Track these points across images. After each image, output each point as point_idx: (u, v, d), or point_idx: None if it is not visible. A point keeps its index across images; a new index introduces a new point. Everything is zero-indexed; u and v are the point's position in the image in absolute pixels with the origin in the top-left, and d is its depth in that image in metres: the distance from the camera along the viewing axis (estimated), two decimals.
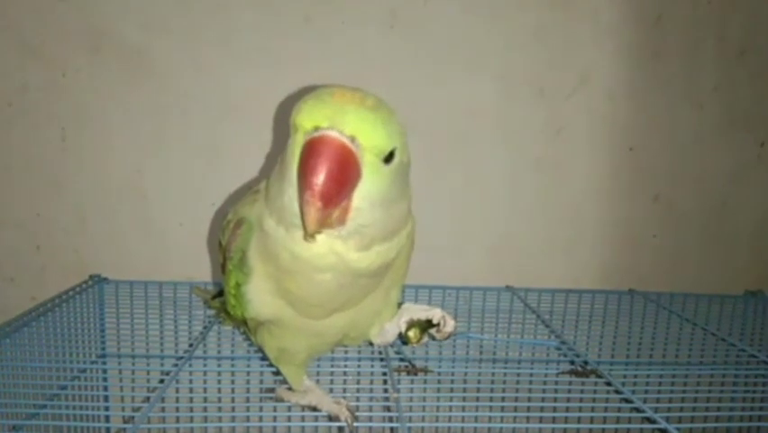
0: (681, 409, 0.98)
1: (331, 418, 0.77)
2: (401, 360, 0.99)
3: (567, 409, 0.93)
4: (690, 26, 1.29)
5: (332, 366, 0.99)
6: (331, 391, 1.01)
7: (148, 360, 1.20)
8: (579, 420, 0.94)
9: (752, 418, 1.00)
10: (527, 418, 1.12)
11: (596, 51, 1.29)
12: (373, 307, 0.72)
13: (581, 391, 0.92)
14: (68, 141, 1.25)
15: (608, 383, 0.86)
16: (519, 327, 1.24)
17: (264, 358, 0.87)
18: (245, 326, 0.81)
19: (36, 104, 1.23)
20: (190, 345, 1.07)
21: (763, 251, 1.41)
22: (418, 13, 1.24)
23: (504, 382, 1.13)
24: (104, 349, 1.19)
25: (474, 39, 1.26)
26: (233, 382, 1.15)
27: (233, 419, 1.10)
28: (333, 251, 0.57)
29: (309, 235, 0.54)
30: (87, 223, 1.28)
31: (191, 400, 1.10)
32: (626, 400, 0.81)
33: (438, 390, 1.15)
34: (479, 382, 1.15)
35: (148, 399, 1.04)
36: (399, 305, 0.79)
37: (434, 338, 0.77)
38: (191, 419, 1.09)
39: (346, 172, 0.52)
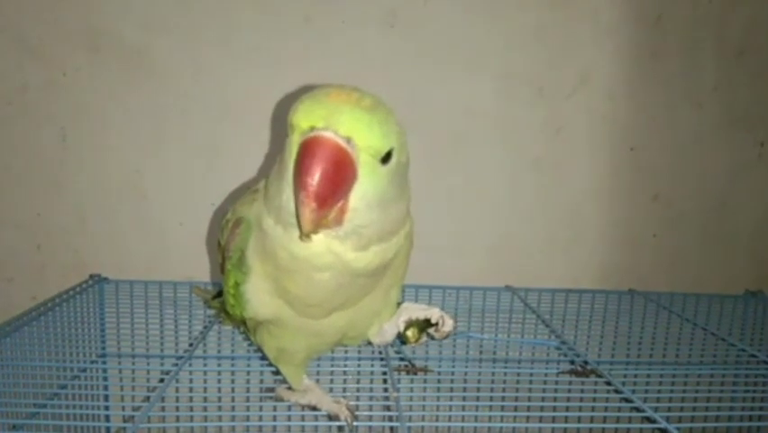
0: (682, 409, 0.99)
1: (330, 417, 0.77)
2: (401, 359, 0.99)
3: (567, 409, 0.93)
4: (690, 26, 1.29)
5: (332, 366, 0.99)
6: (331, 390, 1.01)
7: (148, 360, 1.20)
8: (579, 420, 0.94)
9: (752, 417, 1.00)
10: (527, 417, 1.12)
11: (596, 51, 1.29)
12: (372, 306, 0.72)
13: (581, 391, 0.92)
14: (68, 140, 1.25)
15: (608, 383, 0.86)
16: (519, 326, 1.24)
17: (264, 358, 0.87)
18: (244, 325, 0.81)
19: (36, 103, 1.23)
20: (190, 345, 1.07)
21: (763, 251, 1.41)
22: (418, 12, 1.24)
23: (504, 382, 1.13)
24: (104, 349, 1.19)
25: (474, 38, 1.26)
26: (233, 381, 1.15)
27: (233, 418, 1.10)
28: (330, 250, 0.57)
29: (305, 235, 0.54)
30: (87, 222, 1.28)
31: (191, 399, 1.11)
32: (626, 400, 0.81)
33: (438, 389, 1.15)
34: (479, 381, 1.15)
35: (148, 398, 1.04)
36: (398, 305, 0.79)
37: (432, 338, 0.77)
38: (191, 419, 1.09)
39: (341, 173, 0.52)
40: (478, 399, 1.14)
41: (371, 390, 1.04)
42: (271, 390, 0.88)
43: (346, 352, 1.06)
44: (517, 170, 1.33)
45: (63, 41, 1.21)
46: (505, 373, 1.12)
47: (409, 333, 0.75)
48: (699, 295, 1.28)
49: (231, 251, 0.67)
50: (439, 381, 1.14)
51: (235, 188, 1.25)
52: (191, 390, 1.11)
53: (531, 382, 1.00)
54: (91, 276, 1.20)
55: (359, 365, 1.01)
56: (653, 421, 0.73)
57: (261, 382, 1.13)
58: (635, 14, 1.28)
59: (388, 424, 0.75)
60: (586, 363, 0.94)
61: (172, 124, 1.25)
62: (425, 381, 1.11)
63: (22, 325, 0.95)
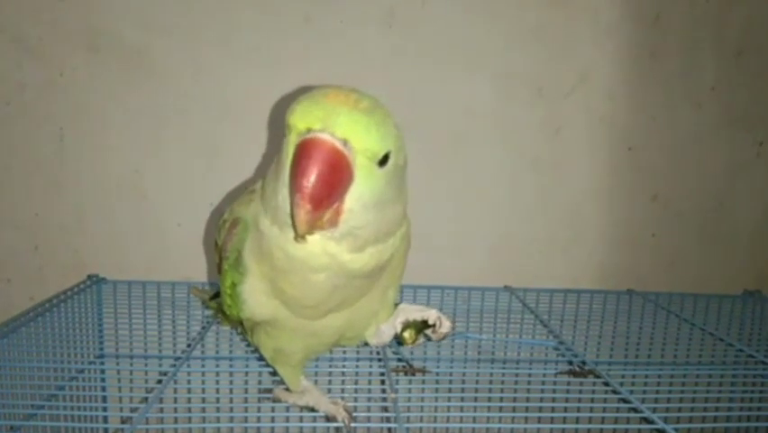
0: (680, 410, 0.98)
1: (328, 418, 0.77)
2: (399, 360, 0.98)
3: (566, 410, 0.93)
4: (689, 26, 1.29)
5: (330, 366, 0.99)
6: (329, 391, 1.02)
7: (146, 360, 1.20)
8: (577, 421, 0.94)
9: (750, 418, 1.00)
10: (526, 418, 1.12)
11: (595, 51, 1.29)
12: (370, 307, 0.72)
13: (580, 392, 0.92)
14: (66, 140, 1.24)
15: (606, 383, 0.86)
16: (518, 327, 1.24)
17: (262, 358, 0.87)
18: (242, 326, 0.81)
19: (34, 103, 1.23)
20: (188, 346, 1.07)
21: (762, 251, 1.41)
22: (417, 13, 1.24)
23: (502, 383, 1.13)
24: (102, 350, 1.18)
25: (473, 38, 1.26)
26: (231, 382, 1.15)
27: (231, 419, 1.10)
28: (326, 251, 0.57)
29: (300, 237, 0.54)
30: (86, 223, 1.28)
31: (189, 400, 1.10)
32: (624, 401, 0.81)
33: (437, 390, 1.14)
34: (477, 382, 1.15)
35: (146, 399, 1.04)
36: (396, 305, 0.78)
37: (429, 339, 0.77)
38: (189, 420, 1.09)
39: (337, 175, 0.52)
40: (476, 399, 1.14)
41: (370, 390, 1.04)
42: (269, 391, 0.88)
43: (345, 352, 1.06)
44: (516, 170, 1.32)
45: (62, 41, 1.21)
46: (503, 374, 1.12)
47: (406, 334, 0.75)
48: (698, 295, 1.28)
49: (228, 251, 0.67)
50: (437, 381, 1.14)
51: (233, 188, 1.25)
52: (189, 391, 1.10)
53: (529, 382, 1.00)
54: (89, 276, 1.20)
55: (357, 366, 1.01)
56: (651, 422, 0.73)
57: (260, 382, 1.13)
58: (633, 14, 1.28)
59: (385, 425, 0.75)
60: (584, 363, 0.94)
61: (171, 124, 1.25)
62: (423, 381, 1.11)
63: (20, 326, 0.95)
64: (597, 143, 1.33)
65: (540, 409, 0.95)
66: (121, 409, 1.18)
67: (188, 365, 0.95)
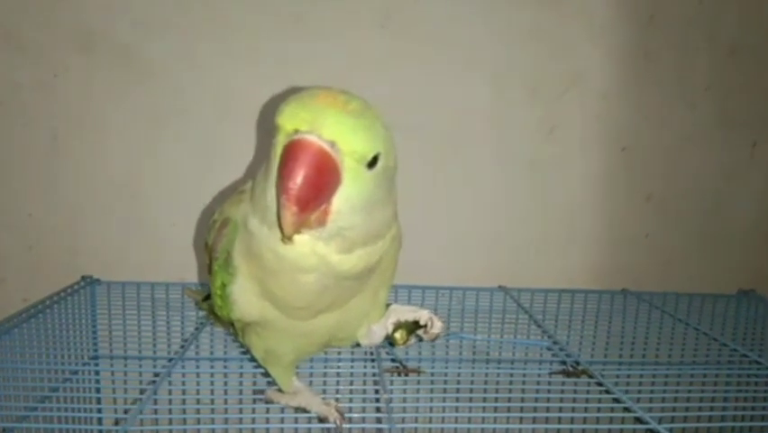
0: (675, 410, 0.98)
1: (320, 419, 0.77)
2: (392, 361, 0.98)
3: (560, 410, 0.93)
4: (683, 26, 1.29)
5: (325, 367, 0.99)
6: (324, 392, 1.01)
7: (140, 361, 1.19)
8: (572, 421, 0.94)
9: (744, 417, 1.00)
10: (521, 418, 1.12)
11: (589, 51, 1.29)
12: (361, 308, 0.72)
13: (573, 392, 0.92)
14: (59, 140, 1.24)
15: (599, 384, 0.86)
16: (512, 327, 1.24)
17: (255, 359, 0.87)
18: (233, 327, 0.81)
19: (28, 103, 1.22)
20: (181, 348, 1.07)
21: (756, 250, 1.41)
22: (410, 13, 1.24)
23: (497, 383, 1.13)
24: (96, 351, 1.18)
25: (467, 38, 1.26)
26: (225, 383, 1.14)
27: (225, 420, 1.10)
28: (315, 252, 0.57)
29: (287, 238, 0.54)
30: (79, 223, 1.27)
31: (184, 402, 1.10)
32: (617, 401, 0.81)
33: (432, 390, 1.14)
34: (472, 382, 1.15)
35: (140, 401, 1.04)
36: (388, 306, 0.78)
37: (421, 340, 0.77)
38: (184, 421, 1.08)
39: (324, 177, 0.52)
40: (471, 400, 1.14)
41: (364, 391, 1.04)
42: (261, 392, 0.88)
43: (339, 353, 1.06)
44: (510, 170, 1.33)
45: (56, 41, 1.20)
46: (498, 375, 1.12)
47: (397, 335, 0.75)
48: (692, 295, 1.29)
49: (218, 251, 0.67)
50: (432, 382, 1.13)
51: (224, 188, 1.25)
52: (184, 392, 1.10)
53: (524, 382, 1.00)
54: (83, 277, 1.20)
55: (352, 367, 1.01)
56: (644, 421, 0.73)
57: (254, 384, 1.13)
58: (628, 15, 1.28)
59: (378, 426, 0.74)
60: (577, 363, 0.94)
61: (165, 124, 1.25)
62: (418, 382, 1.11)
63: (13, 327, 0.95)
64: (591, 143, 1.33)
65: (535, 410, 0.95)
66: (115, 411, 1.18)
67: (183, 366, 0.95)
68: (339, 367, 1.00)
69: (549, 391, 0.93)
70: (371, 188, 0.56)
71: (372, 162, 0.55)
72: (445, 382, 1.13)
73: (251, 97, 1.23)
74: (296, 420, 0.91)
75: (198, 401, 1.10)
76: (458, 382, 1.15)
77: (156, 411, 0.96)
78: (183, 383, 1.08)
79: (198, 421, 1.06)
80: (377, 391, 0.91)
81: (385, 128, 0.57)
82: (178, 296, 1.20)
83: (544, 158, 1.33)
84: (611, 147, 1.34)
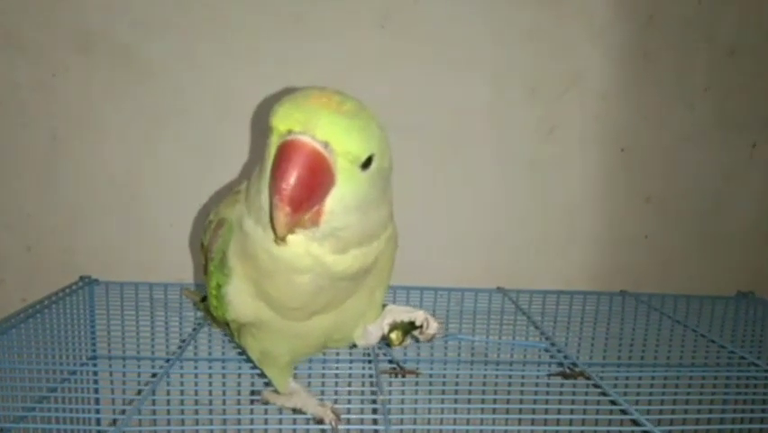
0: (673, 412, 0.98)
1: (316, 420, 0.77)
2: (389, 362, 0.98)
3: (559, 412, 0.92)
4: (682, 26, 1.29)
5: (323, 368, 0.99)
6: (322, 393, 1.01)
7: (139, 362, 1.19)
8: (570, 423, 0.94)
9: (743, 420, 0.99)
10: (519, 420, 1.11)
11: (588, 51, 1.29)
12: (357, 308, 0.72)
13: (573, 394, 0.91)
14: (58, 140, 1.24)
15: (596, 385, 0.86)
16: (510, 328, 1.24)
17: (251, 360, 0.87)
18: (228, 327, 0.80)
19: (27, 104, 1.23)
20: (179, 348, 1.06)
21: (755, 251, 1.41)
22: (410, 13, 1.24)
23: (496, 385, 1.12)
24: (94, 351, 1.18)
25: (466, 38, 1.26)
26: (224, 384, 1.14)
27: (224, 421, 1.10)
28: (309, 253, 0.57)
29: (280, 239, 0.54)
30: (78, 224, 1.27)
31: (182, 402, 1.10)
32: (614, 403, 0.81)
33: (430, 392, 1.14)
34: (470, 384, 1.14)
35: (143, 401, 1.04)
36: (384, 306, 0.78)
37: (417, 340, 0.77)
38: (183, 422, 1.08)
39: (317, 178, 0.52)
40: (469, 401, 1.13)
41: (362, 393, 1.03)
42: (257, 393, 0.88)
43: (338, 354, 1.06)
44: (509, 171, 1.32)
45: (55, 42, 1.21)
46: (497, 376, 1.11)
47: (393, 335, 0.75)
48: (691, 296, 1.28)
49: (213, 252, 0.67)
50: (431, 383, 1.13)
51: (219, 188, 1.25)
52: (182, 392, 1.10)
53: (522, 384, 0.99)
54: (81, 278, 1.20)
55: (350, 368, 1.00)
56: (640, 424, 0.73)
57: (252, 384, 1.13)
58: (627, 15, 1.28)
59: (374, 427, 0.74)
60: (574, 364, 0.94)
61: (164, 124, 1.25)
62: (416, 383, 1.11)
63: (11, 327, 0.95)
64: (590, 144, 1.33)
65: (533, 412, 0.94)
66: (114, 412, 1.18)
67: (181, 367, 0.95)
68: (337, 368, 1.00)
69: (546, 394, 0.92)
70: (366, 189, 0.56)
71: (366, 163, 0.55)
72: (444, 383, 1.13)
73: (251, 98, 1.23)
74: (294, 421, 0.91)
75: (197, 402, 1.10)
76: (456, 384, 1.15)
77: (154, 412, 0.96)
78: (182, 384, 1.08)
79: (197, 422, 1.06)
80: (373, 393, 0.91)
81: (380, 129, 0.57)
82: (177, 296, 1.20)
83: (543, 158, 1.33)
84: (610, 147, 1.34)
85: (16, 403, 0.90)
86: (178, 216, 1.28)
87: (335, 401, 1.06)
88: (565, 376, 0.92)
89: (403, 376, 0.95)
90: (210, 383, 1.13)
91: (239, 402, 1.11)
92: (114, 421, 1.20)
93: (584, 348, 1.27)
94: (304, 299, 0.63)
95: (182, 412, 1.09)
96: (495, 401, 1.12)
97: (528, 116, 1.30)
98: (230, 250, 0.65)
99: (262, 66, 1.23)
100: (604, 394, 0.83)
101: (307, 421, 0.80)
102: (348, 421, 0.95)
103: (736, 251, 1.40)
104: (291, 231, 0.54)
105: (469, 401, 1.13)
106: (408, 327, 0.76)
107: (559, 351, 1.00)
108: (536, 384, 0.96)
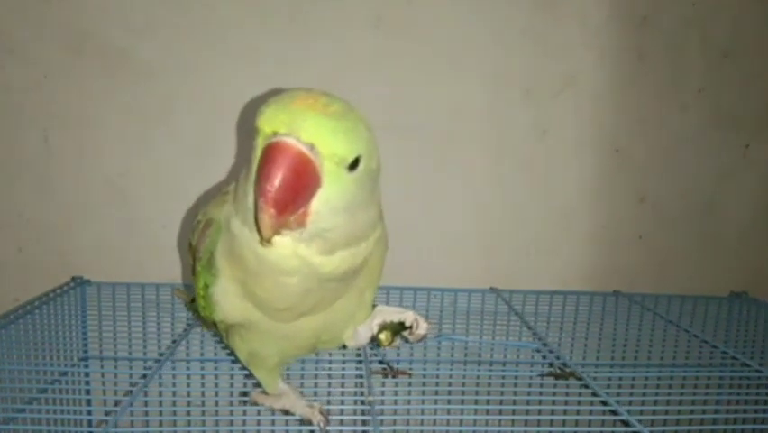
0: (667, 412, 0.98)
1: (303, 421, 0.76)
2: (380, 362, 0.98)
3: (552, 412, 0.92)
4: (676, 28, 1.29)
5: (316, 369, 0.99)
6: (315, 394, 1.01)
7: (131, 362, 1.19)
8: (563, 423, 0.94)
9: (735, 420, 0.99)
10: (512, 421, 1.11)
11: (582, 53, 1.29)
12: (346, 310, 0.72)
13: (565, 394, 0.91)
14: (50, 142, 1.24)
15: (586, 386, 0.86)
16: (503, 328, 1.24)
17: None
18: (216, 327, 0.80)
19: (18, 105, 1.22)
20: (168, 349, 1.06)
21: (749, 252, 1.41)
22: (404, 13, 1.24)
23: (489, 385, 1.12)
24: (86, 352, 1.18)
25: (461, 39, 1.26)
26: (216, 385, 1.14)
27: (216, 423, 1.09)
28: (296, 254, 0.57)
29: (265, 240, 0.54)
30: (70, 224, 1.27)
31: (174, 403, 1.09)
32: (605, 403, 0.81)
33: (423, 392, 1.14)
34: (463, 384, 1.14)
35: (131, 403, 1.03)
36: (374, 306, 0.78)
37: (407, 341, 0.77)
38: (174, 423, 1.08)
39: (302, 180, 0.52)
40: (462, 402, 1.13)
41: (355, 393, 1.03)
42: (246, 394, 0.88)
43: (330, 355, 1.05)
44: (503, 172, 1.32)
45: (46, 43, 1.20)
46: (490, 377, 1.11)
47: (382, 336, 0.75)
48: (685, 297, 1.28)
49: (201, 252, 0.67)
50: (424, 384, 1.13)
51: (208, 189, 1.25)
52: (174, 393, 1.09)
53: (516, 385, 0.99)
54: (73, 278, 1.20)
55: (343, 368, 1.00)
56: (630, 425, 0.73)
57: (245, 385, 1.12)
58: (621, 16, 1.28)
59: (362, 428, 0.74)
60: (565, 365, 0.93)
61: (156, 125, 1.25)
62: (409, 384, 1.11)
63: (2, 327, 0.94)
64: (584, 145, 1.33)
65: (526, 412, 0.94)
66: (106, 413, 1.17)
67: (173, 367, 0.94)
68: (330, 369, 0.99)
69: (539, 394, 0.92)
70: (353, 190, 0.56)
71: (353, 164, 0.54)
72: (437, 384, 1.13)
73: (243, 98, 1.23)
74: (286, 423, 0.91)
75: (189, 403, 1.10)
76: (449, 385, 1.15)
77: (147, 413, 0.96)
78: (173, 385, 1.08)
79: (189, 423, 1.05)
80: (361, 394, 0.90)
81: (368, 130, 0.57)
82: (168, 297, 1.19)
83: (537, 158, 1.32)
84: (605, 148, 1.34)
85: (6, 405, 0.89)
86: (170, 217, 1.27)
87: (328, 402, 1.06)
88: (556, 377, 0.92)
89: (394, 377, 0.95)
90: (202, 384, 1.13)
91: (231, 403, 1.11)
92: (107, 423, 1.20)
93: (577, 349, 1.27)
94: (291, 301, 0.63)
95: (174, 414, 1.09)
96: (488, 402, 1.12)
97: (523, 117, 1.30)
98: (217, 250, 0.65)
99: (255, 67, 1.23)
100: (595, 395, 0.83)
101: (300, 422, 0.80)
102: (341, 423, 0.95)
103: (730, 251, 1.40)
104: (277, 232, 0.54)
105: (462, 402, 1.13)
106: (398, 328, 0.76)
107: (551, 351, 1.00)
108: (529, 385, 0.96)
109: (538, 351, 1.04)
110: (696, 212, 1.38)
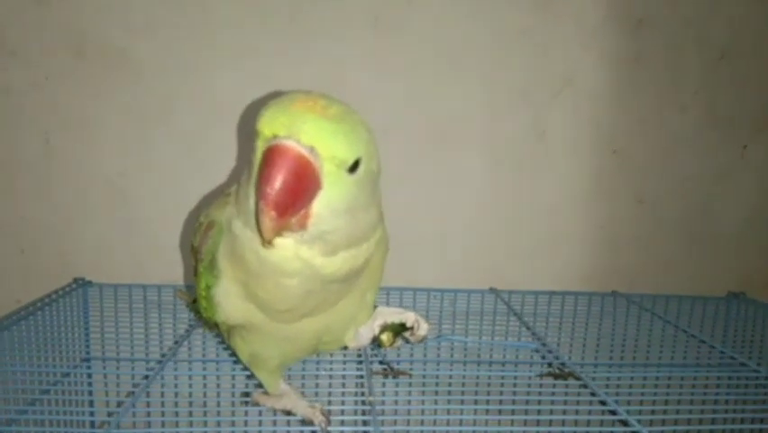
0: (665, 412, 0.98)
1: (305, 422, 0.77)
2: (380, 363, 0.99)
3: (551, 412, 0.93)
4: (673, 29, 1.30)
5: (317, 369, 0.99)
6: (316, 394, 1.02)
7: (133, 363, 1.20)
8: (563, 423, 0.94)
9: (733, 420, 1.00)
10: (512, 421, 1.12)
11: (580, 54, 1.29)
12: (348, 311, 0.72)
13: (564, 394, 0.92)
14: (51, 143, 1.24)
15: (585, 385, 0.86)
16: (502, 329, 1.25)
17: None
18: (218, 329, 0.81)
19: (19, 107, 1.23)
20: (170, 350, 1.07)
21: (746, 253, 1.42)
22: (402, 15, 1.24)
23: (488, 385, 1.13)
24: (88, 353, 1.18)
25: (458, 41, 1.27)
26: (218, 385, 1.14)
27: (218, 424, 1.10)
28: (298, 256, 0.57)
29: (267, 242, 0.54)
30: (71, 226, 1.27)
31: (176, 404, 1.10)
32: (603, 403, 0.81)
33: (423, 393, 1.14)
34: (463, 385, 1.15)
35: (132, 404, 1.04)
36: (375, 307, 0.79)
37: (408, 341, 0.78)
38: (177, 424, 1.08)
39: (302, 182, 0.52)
40: (462, 402, 1.14)
41: (356, 393, 1.04)
42: (248, 394, 0.88)
43: (331, 355, 1.06)
44: (502, 173, 1.33)
45: (46, 44, 1.21)
46: (489, 377, 1.12)
47: (384, 337, 0.75)
48: (682, 297, 1.29)
49: (203, 254, 0.67)
50: (424, 384, 1.14)
51: (209, 190, 1.25)
52: (176, 394, 1.10)
53: (514, 385, 1.00)
54: (75, 280, 1.20)
55: (344, 369, 1.01)
56: (628, 424, 0.73)
57: (246, 386, 1.13)
58: (618, 18, 1.29)
59: (363, 429, 0.75)
60: (563, 365, 0.94)
61: (157, 126, 1.25)
62: (410, 384, 1.11)
63: (4, 329, 0.95)
64: (582, 146, 1.33)
65: (525, 412, 0.95)
66: (108, 414, 1.17)
67: (175, 368, 0.95)
68: (331, 369, 1.00)
69: (538, 394, 0.93)
70: (353, 192, 0.56)
71: (354, 167, 0.55)
72: (437, 384, 1.14)
73: (244, 99, 1.23)
74: (288, 423, 0.92)
75: (191, 403, 1.11)
76: (449, 385, 1.15)
77: (149, 414, 0.96)
78: (175, 385, 1.09)
79: (191, 424, 1.06)
80: (362, 394, 0.91)
81: (368, 132, 0.57)
82: (170, 298, 1.20)
83: (535, 159, 1.33)
84: (602, 149, 1.34)
85: (8, 406, 0.90)
86: (171, 219, 1.28)
87: (329, 402, 1.07)
88: (555, 377, 0.92)
89: (395, 377, 0.95)
90: (204, 385, 1.13)
91: (233, 403, 1.12)
92: (110, 424, 1.20)
93: (576, 349, 1.28)
94: (293, 302, 0.63)
95: (176, 414, 1.09)
96: (488, 402, 1.12)
97: (521, 118, 1.31)
98: (219, 252, 0.66)
99: (255, 67, 1.23)
100: (593, 394, 0.84)
101: (302, 423, 0.80)
102: (342, 423, 0.95)
103: (728, 251, 1.41)
104: (278, 234, 0.54)
105: (461, 402, 1.13)
106: (399, 329, 0.76)
107: (550, 351, 1.01)
108: (528, 385, 0.96)
109: (537, 351, 1.05)
110: (694, 212, 1.38)
